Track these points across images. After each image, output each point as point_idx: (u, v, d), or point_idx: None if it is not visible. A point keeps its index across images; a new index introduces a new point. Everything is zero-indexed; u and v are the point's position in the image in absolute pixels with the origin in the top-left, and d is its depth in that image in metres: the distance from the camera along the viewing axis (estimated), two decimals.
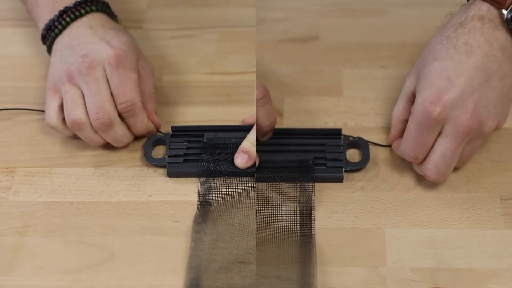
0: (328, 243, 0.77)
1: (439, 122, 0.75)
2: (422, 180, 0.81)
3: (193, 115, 0.87)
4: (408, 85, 0.80)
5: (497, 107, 0.75)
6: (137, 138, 0.85)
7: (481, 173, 0.82)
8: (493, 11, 0.76)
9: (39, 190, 0.82)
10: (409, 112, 0.78)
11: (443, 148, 0.76)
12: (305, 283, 0.74)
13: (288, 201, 0.79)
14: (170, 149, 0.83)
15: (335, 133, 0.84)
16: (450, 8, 0.96)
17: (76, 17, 0.85)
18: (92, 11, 0.85)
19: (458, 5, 0.95)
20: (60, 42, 0.85)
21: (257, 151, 0.81)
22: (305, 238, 0.77)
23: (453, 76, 0.74)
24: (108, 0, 0.88)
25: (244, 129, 0.83)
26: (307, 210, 0.79)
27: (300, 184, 0.80)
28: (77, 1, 0.85)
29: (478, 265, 0.76)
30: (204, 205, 0.80)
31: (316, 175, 0.81)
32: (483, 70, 0.75)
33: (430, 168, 0.77)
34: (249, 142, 0.81)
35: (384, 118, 0.86)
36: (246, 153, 0.81)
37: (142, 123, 0.84)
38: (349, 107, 0.87)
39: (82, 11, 0.85)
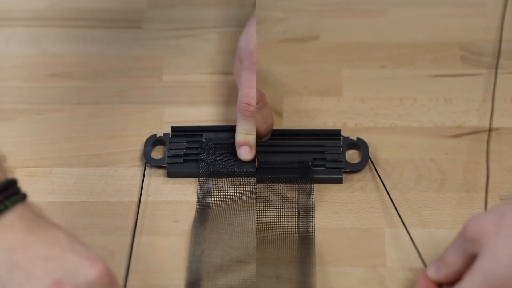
0: (328, 243, 0.77)
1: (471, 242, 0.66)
2: (422, 180, 0.81)
3: (193, 115, 0.87)
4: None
5: None
6: (136, 137, 0.85)
7: (481, 173, 0.82)
8: None
9: (39, 190, 0.82)
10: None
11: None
12: (304, 282, 0.74)
13: (287, 202, 0.79)
14: (169, 149, 0.83)
15: (335, 134, 0.83)
16: (451, 8, 0.96)
17: (7, 208, 0.63)
18: (17, 201, 0.64)
19: (459, 4, 0.96)
20: None
21: (256, 152, 0.81)
22: (305, 239, 0.77)
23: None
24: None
25: None
26: (306, 211, 0.79)
27: (299, 185, 0.80)
28: None
29: None
30: (203, 206, 0.80)
31: (315, 176, 0.81)
32: None
33: None
34: (241, 134, 0.81)
35: (384, 118, 0.86)
36: (244, 144, 0.81)
37: None
38: (349, 107, 0.87)
39: (7, 202, 0.63)
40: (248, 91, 0.79)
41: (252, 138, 0.81)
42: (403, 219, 0.78)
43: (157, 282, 0.75)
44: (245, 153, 0.81)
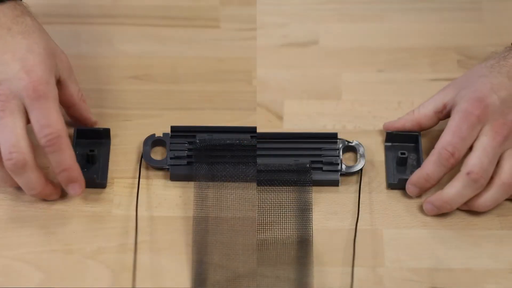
0: (327, 244, 0.78)
1: (480, 122, 0.77)
2: None
3: (193, 115, 0.88)
4: (442, 96, 0.82)
5: None
6: (136, 137, 0.84)
7: None
8: None
9: None
10: (430, 119, 0.82)
11: (483, 145, 0.77)
12: (303, 282, 0.74)
13: (285, 204, 0.80)
14: (171, 150, 0.82)
15: (331, 137, 0.84)
16: (448, 13, 0.97)
17: None
18: None
19: (456, 10, 0.95)
20: None
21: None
22: (303, 240, 0.77)
23: (496, 89, 0.78)
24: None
25: (242, 130, 0.83)
26: (304, 213, 0.79)
27: (297, 188, 0.81)
28: None
29: (475, 265, 0.76)
30: (202, 207, 0.79)
31: (312, 178, 0.81)
32: None
33: (473, 163, 0.76)
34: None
35: (382, 121, 0.86)
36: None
37: (70, 159, 0.74)
38: (348, 110, 0.88)
39: None
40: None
41: None
42: (401, 219, 0.79)
43: (157, 282, 0.75)
44: None
